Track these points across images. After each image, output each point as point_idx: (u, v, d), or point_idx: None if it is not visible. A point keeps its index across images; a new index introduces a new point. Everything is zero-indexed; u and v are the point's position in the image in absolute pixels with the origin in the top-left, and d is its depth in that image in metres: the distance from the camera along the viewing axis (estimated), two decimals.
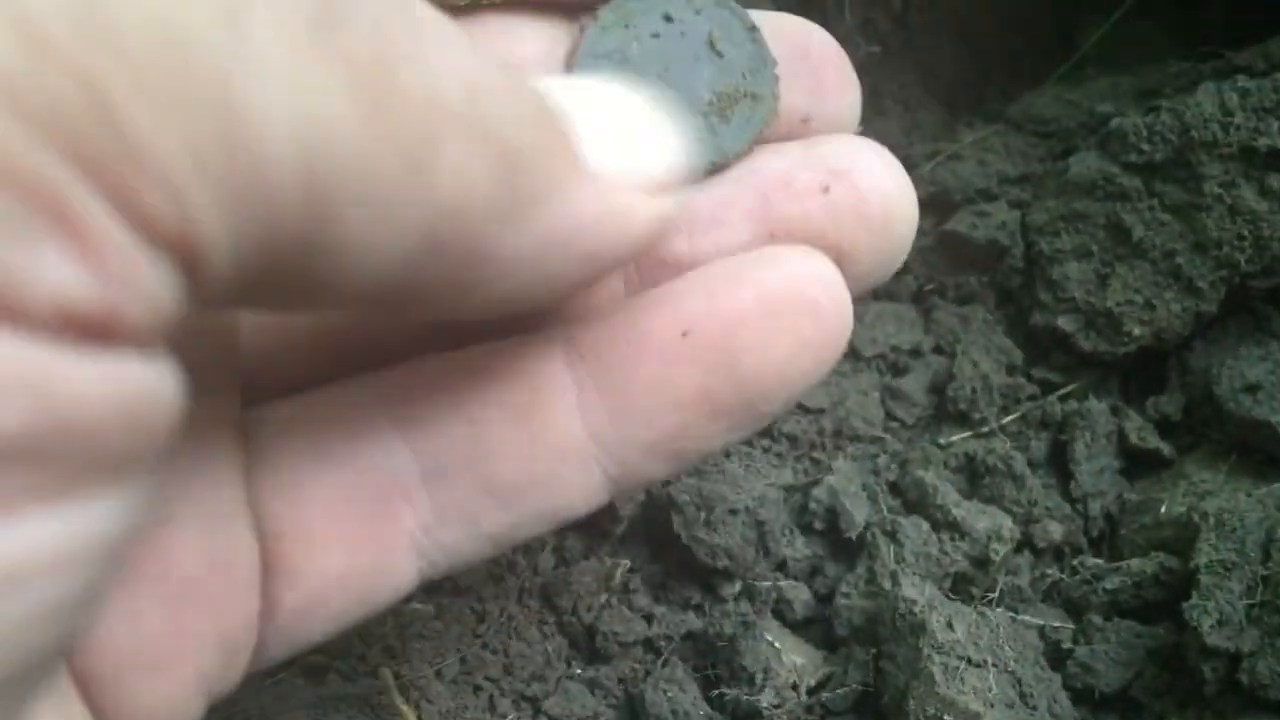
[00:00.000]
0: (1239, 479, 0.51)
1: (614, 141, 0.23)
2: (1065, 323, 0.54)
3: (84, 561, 0.16)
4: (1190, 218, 0.52)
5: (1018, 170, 0.58)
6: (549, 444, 0.27)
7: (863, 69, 0.62)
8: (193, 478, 0.24)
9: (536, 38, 0.29)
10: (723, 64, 0.29)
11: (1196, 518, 0.47)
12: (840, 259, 0.27)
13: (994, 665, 0.44)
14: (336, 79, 0.16)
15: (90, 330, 0.15)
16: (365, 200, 0.17)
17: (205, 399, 0.23)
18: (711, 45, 0.29)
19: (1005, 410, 0.54)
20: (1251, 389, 0.52)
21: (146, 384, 0.16)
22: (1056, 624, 0.48)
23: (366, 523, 0.26)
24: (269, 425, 0.26)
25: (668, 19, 0.29)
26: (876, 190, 0.28)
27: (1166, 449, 0.54)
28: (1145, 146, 0.52)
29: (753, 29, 0.29)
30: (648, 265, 0.29)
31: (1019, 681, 0.44)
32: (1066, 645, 0.47)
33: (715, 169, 0.29)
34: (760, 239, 0.28)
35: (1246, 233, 0.51)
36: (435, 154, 0.18)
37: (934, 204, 0.58)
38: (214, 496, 0.25)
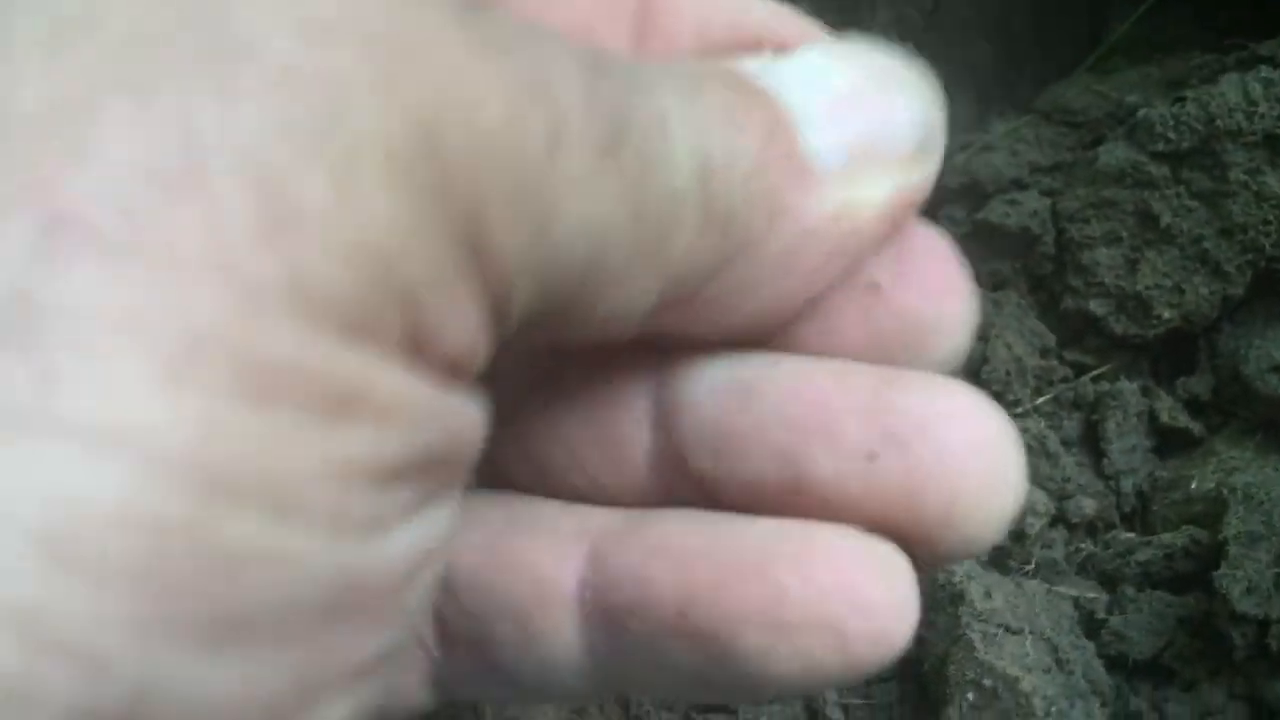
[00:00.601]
0: (1266, 455, 0.53)
1: (841, 123, 0.21)
2: (1096, 306, 0.56)
3: (428, 564, 0.19)
4: (1216, 204, 0.54)
5: (1048, 160, 0.60)
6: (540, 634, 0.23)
7: None
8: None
9: None
10: None
11: (1225, 492, 0.49)
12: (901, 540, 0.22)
13: (1031, 633, 0.46)
14: (616, 194, 0.18)
15: (459, 373, 0.18)
16: (622, 272, 0.19)
17: None
18: None
19: (1039, 392, 0.56)
20: (1278, 368, 0.53)
21: (480, 409, 0.19)
22: (1091, 595, 0.50)
23: None
24: None
25: None
26: (945, 471, 0.21)
27: (1196, 428, 0.56)
28: (1172, 135, 0.54)
29: None
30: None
31: (1055, 649, 0.46)
32: (1100, 615, 0.49)
33: None
34: (788, 482, 0.22)
35: (1271, 217, 0.53)
36: (673, 238, 0.19)
37: (967, 194, 0.60)
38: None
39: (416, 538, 0.18)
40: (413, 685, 0.25)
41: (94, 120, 0.14)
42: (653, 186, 0.19)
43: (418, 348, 0.16)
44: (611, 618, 0.23)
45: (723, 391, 0.23)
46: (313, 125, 0.15)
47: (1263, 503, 0.47)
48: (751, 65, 0.21)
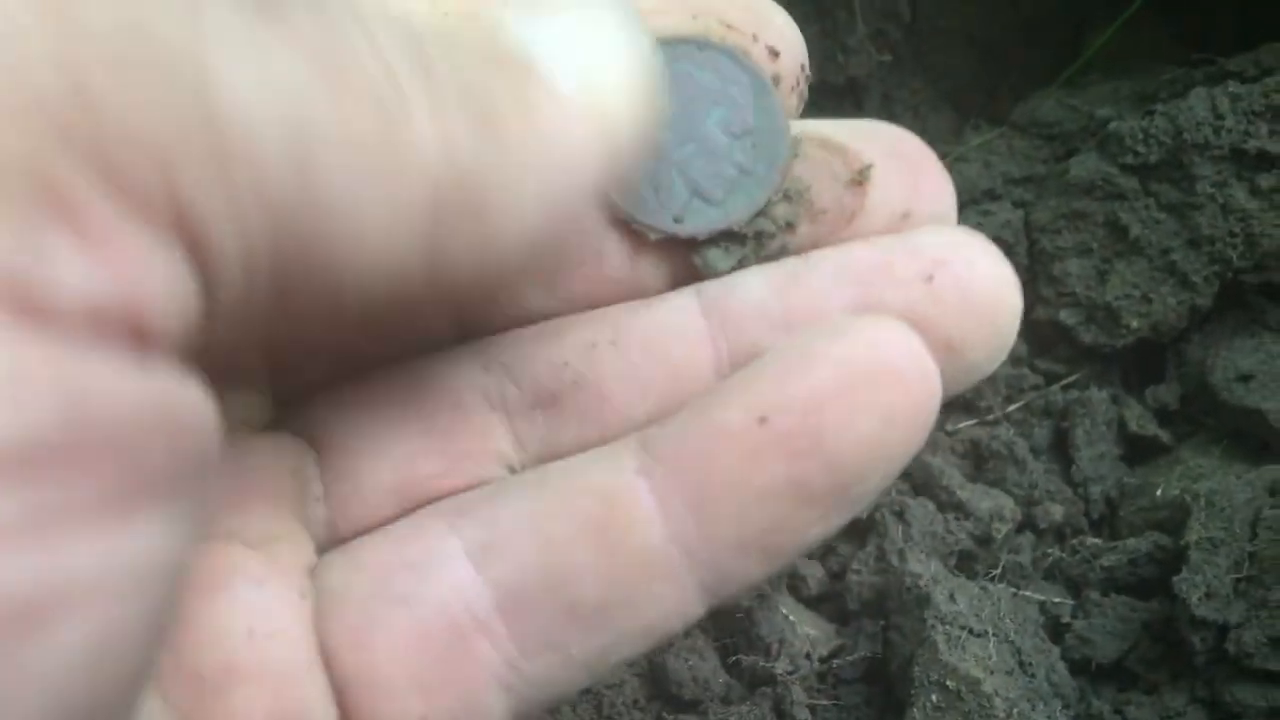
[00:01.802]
0: (1232, 463, 0.54)
1: (574, 55, 0.22)
2: (1067, 316, 0.57)
3: (135, 588, 0.16)
4: (1185, 216, 0.55)
5: (1021, 171, 0.61)
6: (631, 558, 0.25)
7: (874, 77, 0.65)
8: (260, 628, 0.24)
9: None
10: (732, 125, 0.29)
11: (1189, 499, 0.50)
12: (948, 349, 0.26)
13: (994, 636, 0.47)
14: (297, 58, 0.17)
15: (119, 332, 0.15)
16: (355, 176, 0.17)
17: (274, 545, 0.25)
18: (722, 104, 0.29)
19: (1009, 399, 0.57)
20: (1244, 378, 0.54)
21: (184, 397, 0.16)
22: (1056, 599, 0.51)
23: (442, 663, 0.25)
24: (335, 567, 0.26)
25: (685, 72, 0.29)
26: (981, 278, 0.26)
27: (1165, 436, 0.56)
28: (1141, 149, 0.55)
29: (766, 94, 0.29)
30: (741, 361, 0.27)
31: (1019, 651, 0.47)
32: (1065, 619, 0.50)
33: (718, 235, 0.28)
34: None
35: (1238, 230, 0.54)
36: (409, 120, 0.18)
37: None
38: (283, 648, 0.24)
39: (108, 551, 0.15)
40: None
41: None
42: (355, 64, 0.17)
43: (31, 306, 0.14)
44: (692, 488, 0.25)
45: (774, 281, 0.27)
46: None
47: (1224, 509, 0.48)
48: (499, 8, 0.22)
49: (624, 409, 0.27)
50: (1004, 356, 0.27)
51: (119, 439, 0.15)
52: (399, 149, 0.18)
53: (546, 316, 0.28)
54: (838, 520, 0.25)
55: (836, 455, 0.24)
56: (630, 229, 0.28)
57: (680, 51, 0.28)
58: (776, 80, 0.29)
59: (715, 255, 0.28)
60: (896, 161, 0.28)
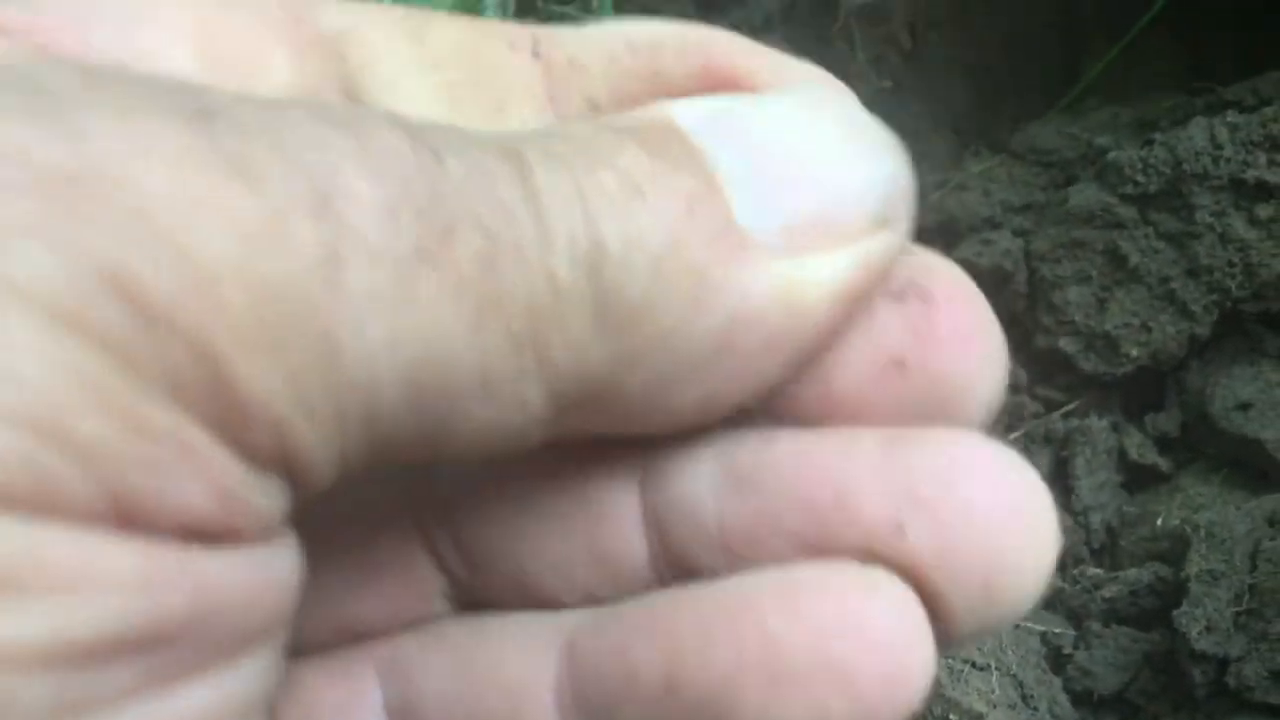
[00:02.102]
0: (1232, 492, 0.54)
1: (786, 187, 0.18)
2: (1066, 344, 0.57)
3: (245, 716, 0.17)
4: (1184, 245, 0.55)
5: (1021, 200, 0.61)
6: None
7: (873, 104, 0.65)
8: None
9: None
10: None
11: (1189, 530, 0.50)
12: (934, 618, 0.19)
13: (997, 669, 0.47)
14: (443, 302, 0.16)
15: (212, 538, 0.16)
16: (478, 390, 0.17)
17: None
18: None
19: (1010, 428, 0.58)
20: (1243, 407, 0.55)
21: (269, 566, 0.17)
22: (1058, 630, 0.51)
23: None
24: None
25: None
26: (979, 536, 0.19)
27: (1164, 464, 0.57)
28: (1140, 178, 0.55)
29: None
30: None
31: (1021, 684, 0.47)
32: (1067, 650, 0.50)
33: None
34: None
35: (1236, 259, 0.54)
36: (550, 340, 0.17)
37: (941, 232, 0.61)
38: None
39: (214, 694, 0.17)
40: None
41: None
42: (506, 287, 0.17)
43: (125, 516, 0.15)
44: (596, 714, 0.21)
45: (720, 484, 0.21)
46: None
47: (1224, 541, 0.48)
48: (689, 114, 0.19)
49: (544, 590, 0.23)
50: (1011, 621, 0.20)
51: (214, 613, 0.16)
52: (536, 369, 0.17)
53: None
54: None
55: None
56: None
57: None
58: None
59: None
60: (909, 290, 0.20)
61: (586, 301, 0.17)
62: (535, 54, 0.21)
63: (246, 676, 0.17)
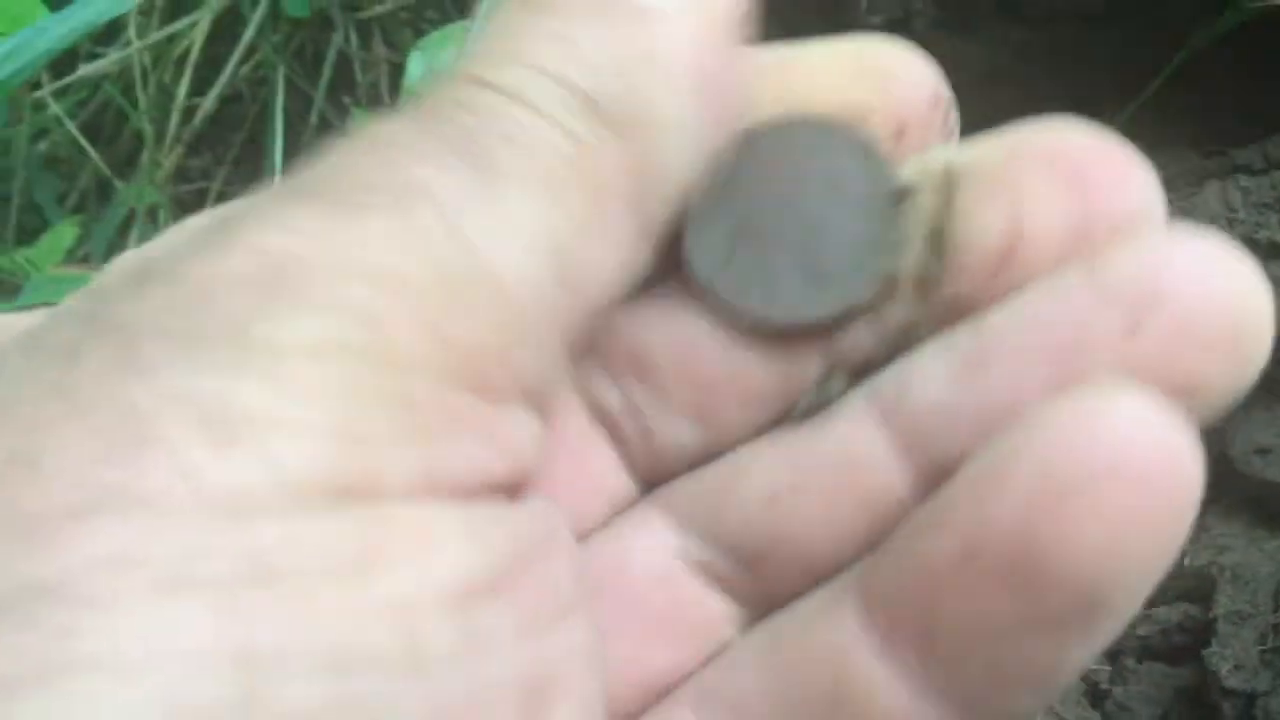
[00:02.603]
0: (1254, 532, 0.58)
1: None
2: None
3: (592, 671, 0.22)
4: None
5: None
6: None
7: None
8: None
9: None
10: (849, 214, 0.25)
11: (1215, 571, 0.54)
12: (1189, 394, 0.21)
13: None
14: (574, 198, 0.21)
15: (511, 489, 0.21)
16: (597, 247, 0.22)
17: None
18: (827, 177, 0.26)
19: None
20: (1262, 452, 0.58)
21: (553, 515, 0.22)
22: (1095, 666, 0.55)
23: None
24: None
25: (783, 154, 0.26)
26: (1205, 302, 0.20)
27: None
28: None
29: (895, 192, 0.25)
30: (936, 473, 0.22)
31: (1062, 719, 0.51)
32: (1104, 686, 0.54)
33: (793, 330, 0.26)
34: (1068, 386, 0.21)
35: None
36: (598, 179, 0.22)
37: None
38: None
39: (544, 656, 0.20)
40: None
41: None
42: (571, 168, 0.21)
43: (440, 487, 0.19)
44: (916, 639, 0.21)
45: (954, 371, 0.22)
46: None
47: (1249, 582, 0.52)
48: None
49: (829, 556, 0.24)
50: (1261, 365, 0.21)
51: (544, 552, 0.21)
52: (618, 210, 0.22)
53: (702, 453, 0.26)
54: (1107, 632, 0.20)
55: (1066, 578, 0.19)
56: (753, 329, 0.25)
57: (775, 137, 0.26)
58: (900, 135, 0.25)
59: (855, 339, 0.25)
60: (1051, 168, 0.22)
61: (603, 136, 0.21)
62: None
63: (582, 623, 0.22)
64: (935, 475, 0.22)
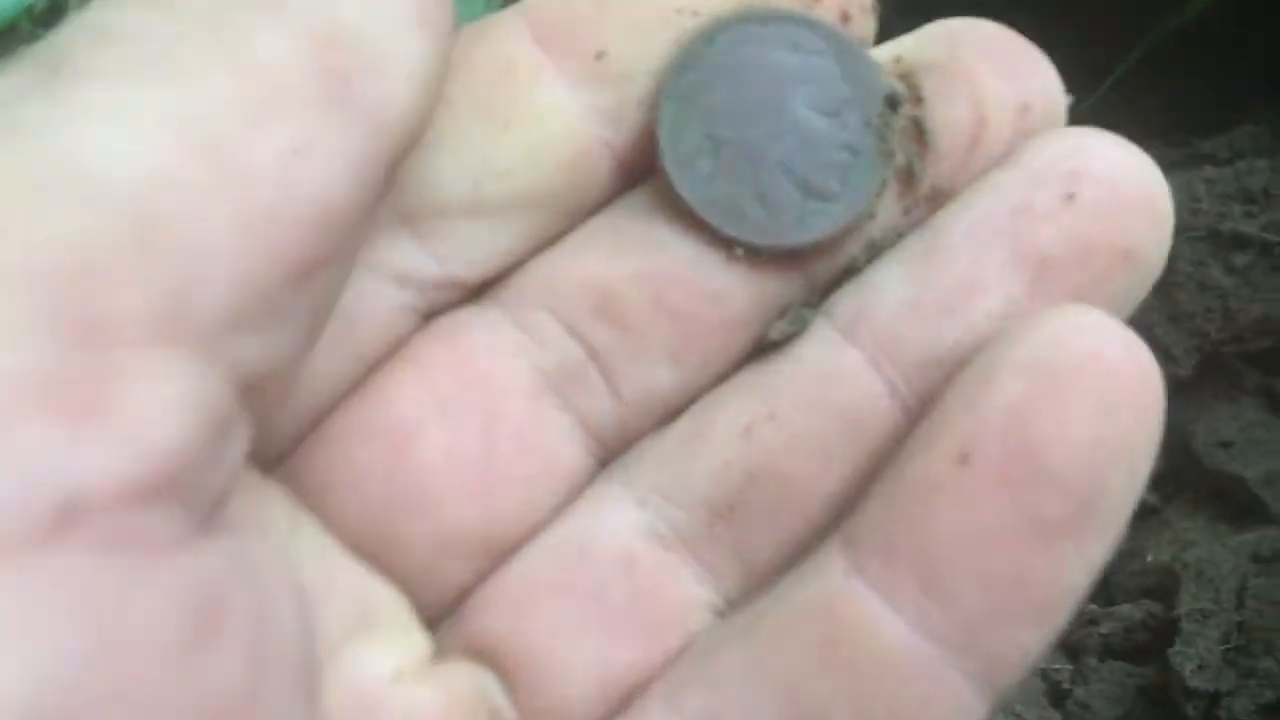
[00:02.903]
0: (1217, 527, 0.57)
1: None
2: None
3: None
4: (1165, 293, 0.58)
5: None
6: (878, 672, 0.21)
7: None
8: None
9: None
10: (824, 113, 0.24)
11: (1179, 567, 0.53)
12: (1126, 257, 0.23)
13: (999, 707, 0.49)
14: None
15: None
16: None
17: None
18: (807, 80, 0.25)
19: None
20: (1225, 445, 0.57)
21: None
22: (1057, 665, 0.54)
23: None
24: None
25: (755, 54, 0.25)
26: (1119, 170, 0.23)
27: (1152, 498, 0.59)
28: None
29: (865, 68, 0.25)
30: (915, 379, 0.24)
31: None
32: (1066, 685, 0.53)
33: (782, 253, 0.24)
34: (1033, 283, 0.23)
35: (1215, 306, 0.57)
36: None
37: None
38: None
39: None
40: None
41: None
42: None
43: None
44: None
45: (909, 273, 0.24)
46: None
47: (1212, 579, 0.51)
48: None
49: (812, 489, 0.24)
50: (1170, 239, 0.24)
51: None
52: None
53: (680, 398, 0.25)
54: (1100, 545, 0.21)
55: (1061, 472, 0.20)
56: (745, 254, 0.24)
57: (741, 33, 0.25)
58: (846, 19, 0.25)
59: (851, 256, 0.25)
60: (994, 60, 0.24)
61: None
62: None
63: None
64: (911, 380, 0.23)
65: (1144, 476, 0.22)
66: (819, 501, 0.24)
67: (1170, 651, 0.49)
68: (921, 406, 0.23)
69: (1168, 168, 0.59)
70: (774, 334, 0.24)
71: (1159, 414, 0.22)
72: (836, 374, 0.24)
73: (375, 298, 0.24)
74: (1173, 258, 0.56)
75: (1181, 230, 0.57)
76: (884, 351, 0.24)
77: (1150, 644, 0.53)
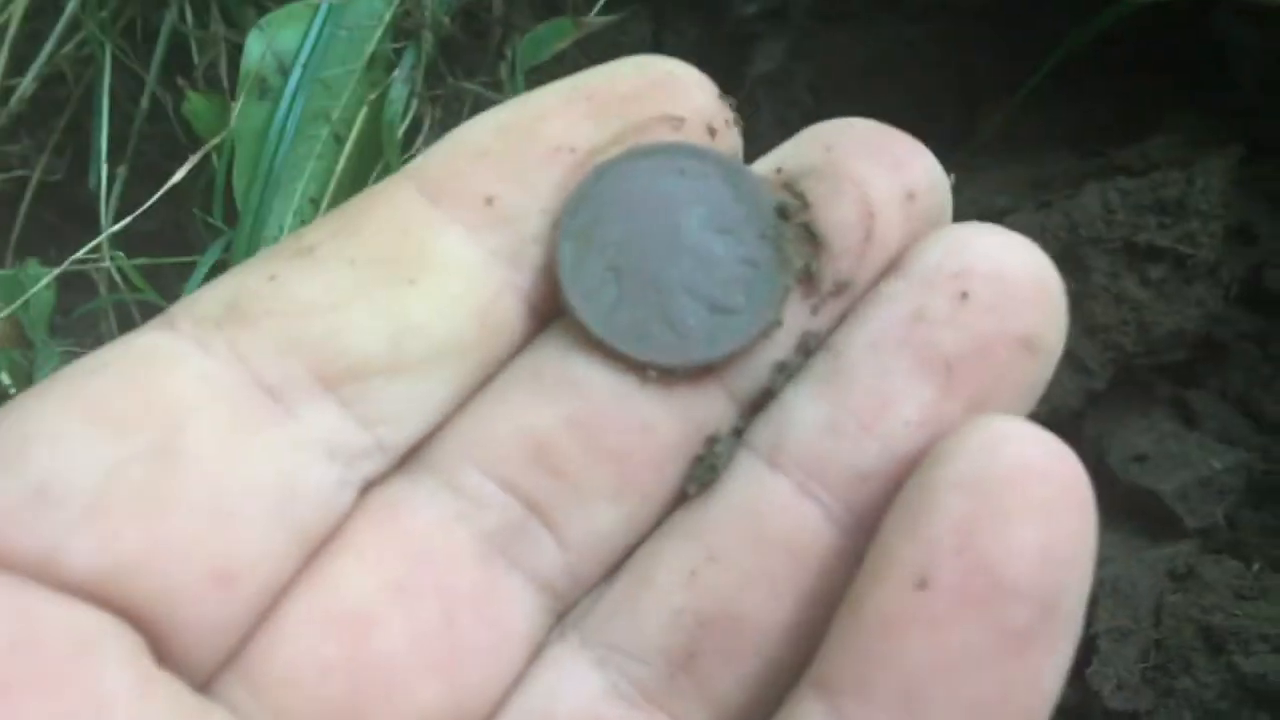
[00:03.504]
0: (1133, 542, 0.56)
1: None
2: None
3: None
4: (1080, 306, 0.57)
5: None
6: None
7: None
8: None
9: None
10: (722, 248, 0.25)
11: (1095, 585, 0.52)
12: (1027, 346, 0.23)
13: None
14: None
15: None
16: None
17: None
18: (697, 203, 0.26)
19: None
20: (1139, 459, 0.57)
21: None
22: None
23: None
24: None
25: (645, 186, 0.26)
26: (1007, 264, 0.24)
27: None
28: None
29: (772, 208, 0.26)
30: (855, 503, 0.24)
31: None
32: None
33: (697, 371, 0.25)
34: (941, 387, 0.23)
35: (1129, 318, 0.56)
36: None
37: None
38: None
39: None
40: None
41: None
42: None
43: None
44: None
45: (818, 396, 0.24)
46: None
47: (1129, 596, 0.51)
48: None
49: (766, 624, 0.24)
50: (1065, 320, 0.25)
51: None
52: None
53: (624, 537, 0.25)
54: (1067, 643, 0.22)
55: (1019, 582, 0.21)
56: (660, 376, 0.25)
57: (628, 168, 0.25)
58: (713, 133, 0.26)
59: (753, 366, 0.25)
60: (872, 156, 0.25)
61: None
62: None
63: None
64: (842, 498, 0.24)
65: (1091, 570, 0.22)
66: (775, 635, 0.24)
67: (1088, 671, 0.49)
68: (857, 522, 0.24)
69: (1081, 178, 0.59)
70: (695, 475, 0.25)
71: (1093, 510, 0.22)
72: (768, 505, 0.24)
73: (309, 476, 0.23)
74: (1087, 270, 0.56)
75: (1096, 242, 0.57)
76: (810, 475, 0.24)
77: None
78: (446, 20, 0.56)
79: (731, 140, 0.26)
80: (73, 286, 0.64)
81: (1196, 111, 0.60)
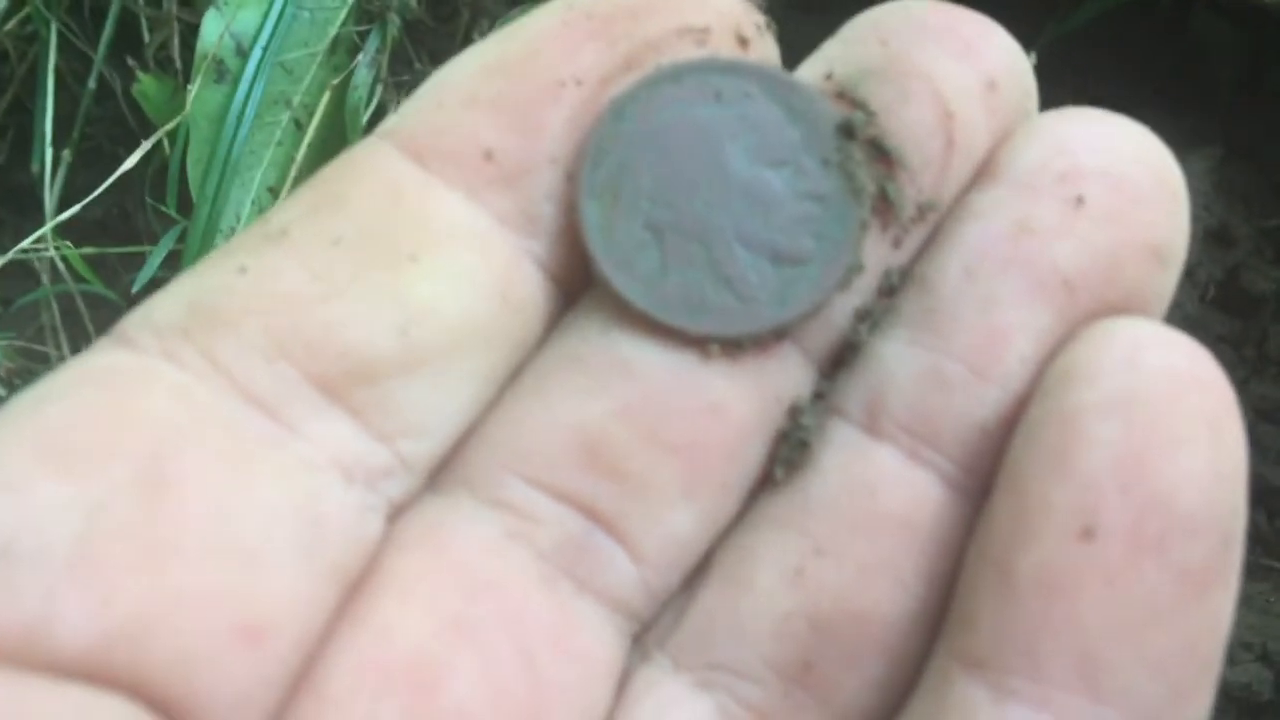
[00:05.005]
0: None
1: None
2: None
3: None
4: None
5: None
6: None
7: None
8: None
9: None
10: (780, 184, 0.21)
11: None
12: (1154, 254, 0.20)
13: None
14: None
15: None
16: None
17: None
18: (744, 131, 0.21)
19: None
20: None
21: None
22: None
23: None
24: None
25: (679, 116, 0.21)
26: (1122, 155, 0.20)
27: None
28: None
29: (835, 127, 0.21)
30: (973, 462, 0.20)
31: None
32: None
33: (766, 338, 0.21)
34: (1061, 311, 0.20)
35: None
36: None
37: None
38: None
39: None
40: None
41: None
42: None
43: None
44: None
45: (916, 340, 0.20)
46: None
47: None
48: None
49: (891, 618, 0.20)
50: (1187, 217, 0.20)
51: None
52: None
53: (703, 540, 0.21)
54: (1237, 573, 0.19)
55: (1195, 513, 0.18)
56: (723, 349, 0.21)
57: (653, 98, 0.21)
58: (743, 44, 0.21)
59: (827, 320, 0.21)
60: (939, 43, 0.21)
61: None
62: None
63: None
64: (958, 459, 0.20)
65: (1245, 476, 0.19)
66: (903, 629, 0.20)
67: None
68: (980, 482, 0.20)
69: None
70: (782, 456, 0.21)
71: (1238, 413, 0.19)
72: (875, 480, 0.20)
73: (330, 503, 0.19)
74: None
75: None
76: (920, 438, 0.20)
77: None
78: (413, 2, 0.54)
79: (767, 49, 0.22)
80: (13, 276, 0.61)
81: (1174, 113, 0.60)
